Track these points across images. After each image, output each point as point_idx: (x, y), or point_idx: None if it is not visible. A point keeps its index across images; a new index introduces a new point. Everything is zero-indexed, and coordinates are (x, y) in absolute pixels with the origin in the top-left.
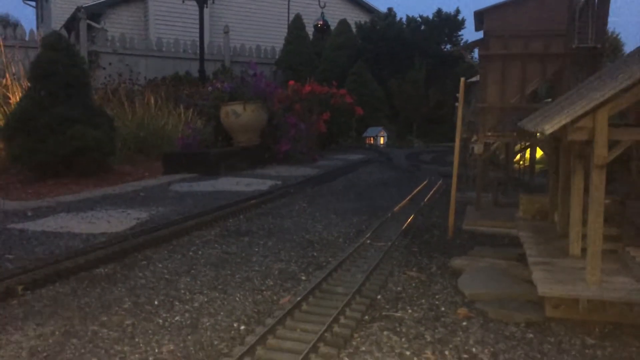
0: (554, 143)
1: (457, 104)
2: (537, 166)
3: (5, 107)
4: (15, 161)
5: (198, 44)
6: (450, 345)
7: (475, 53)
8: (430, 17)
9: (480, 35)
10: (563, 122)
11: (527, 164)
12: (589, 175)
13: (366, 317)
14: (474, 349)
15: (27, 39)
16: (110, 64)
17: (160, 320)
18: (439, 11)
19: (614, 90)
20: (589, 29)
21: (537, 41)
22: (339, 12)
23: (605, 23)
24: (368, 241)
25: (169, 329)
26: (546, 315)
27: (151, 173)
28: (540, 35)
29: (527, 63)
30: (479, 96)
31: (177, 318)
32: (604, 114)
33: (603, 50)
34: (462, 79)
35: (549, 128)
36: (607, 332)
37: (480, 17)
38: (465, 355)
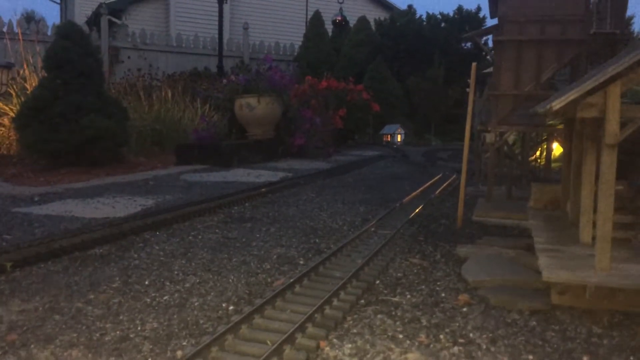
0: (567, 127)
1: (467, 89)
2: (556, 164)
3: (23, 98)
4: (28, 149)
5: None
6: (447, 330)
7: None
8: (451, 14)
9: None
10: (572, 98)
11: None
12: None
13: (361, 300)
14: (471, 334)
15: (49, 33)
16: (129, 57)
17: (148, 299)
18: (460, 8)
19: (628, 63)
20: (608, 14)
21: (553, 26)
22: (358, 9)
23: (624, 8)
24: (372, 229)
25: (156, 307)
26: (552, 303)
27: (164, 164)
28: (557, 20)
29: (543, 49)
30: (491, 83)
31: (165, 297)
32: (616, 89)
33: (622, 37)
34: (474, 64)
35: (557, 104)
36: (616, 321)
37: (495, 1)
38: (462, 340)
